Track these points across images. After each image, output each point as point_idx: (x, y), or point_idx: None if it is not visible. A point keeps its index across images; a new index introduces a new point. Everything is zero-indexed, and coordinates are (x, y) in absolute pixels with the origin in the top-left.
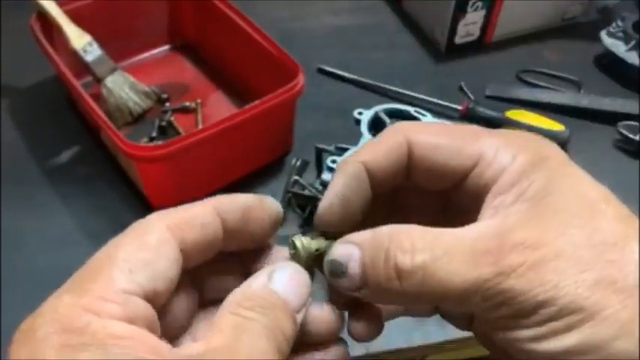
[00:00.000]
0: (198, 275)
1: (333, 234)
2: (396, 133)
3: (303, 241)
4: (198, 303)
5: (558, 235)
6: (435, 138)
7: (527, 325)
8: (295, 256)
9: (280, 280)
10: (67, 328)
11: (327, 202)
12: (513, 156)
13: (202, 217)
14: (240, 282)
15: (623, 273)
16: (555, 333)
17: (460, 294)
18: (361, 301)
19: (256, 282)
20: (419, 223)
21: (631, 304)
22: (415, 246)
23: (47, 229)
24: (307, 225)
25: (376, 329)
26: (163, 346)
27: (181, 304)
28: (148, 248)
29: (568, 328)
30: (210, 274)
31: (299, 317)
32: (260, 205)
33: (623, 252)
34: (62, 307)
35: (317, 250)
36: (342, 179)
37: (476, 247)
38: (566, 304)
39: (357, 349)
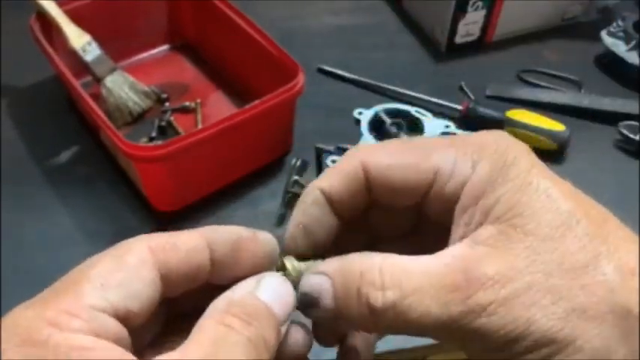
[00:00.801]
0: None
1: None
2: (352, 158)
3: (294, 264)
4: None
5: (529, 263)
6: (388, 158)
7: (503, 357)
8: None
9: (267, 288)
10: (27, 341)
11: (289, 232)
12: (473, 164)
13: (189, 243)
14: None
15: (596, 299)
16: None
17: (434, 330)
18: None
19: (242, 289)
20: (392, 240)
21: (604, 331)
22: (385, 283)
23: (47, 229)
24: None
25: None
26: (131, 357)
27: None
28: (125, 268)
29: None
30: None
31: (282, 329)
32: (253, 239)
33: (594, 275)
34: (23, 319)
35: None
36: (302, 209)
37: (445, 284)
38: (539, 337)
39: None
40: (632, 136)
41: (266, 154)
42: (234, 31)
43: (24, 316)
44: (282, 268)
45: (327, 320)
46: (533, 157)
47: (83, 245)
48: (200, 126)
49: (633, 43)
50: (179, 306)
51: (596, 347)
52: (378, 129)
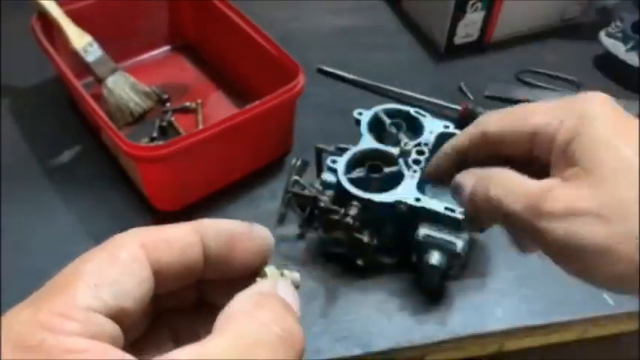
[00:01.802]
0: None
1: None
2: (475, 127)
3: (273, 271)
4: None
5: (591, 194)
6: (500, 125)
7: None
8: None
9: (284, 290)
10: (20, 346)
11: (443, 154)
12: (561, 122)
13: (182, 239)
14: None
15: None
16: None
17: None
18: None
19: (263, 287)
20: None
21: None
22: (506, 189)
23: (47, 229)
24: (307, 225)
25: None
26: (130, 357)
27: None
28: (117, 264)
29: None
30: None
31: None
32: (248, 234)
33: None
34: (17, 323)
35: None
36: (464, 140)
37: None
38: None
39: (357, 348)
40: None
41: (266, 154)
42: (235, 31)
43: (17, 319)
44: (263, 275)
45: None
46: (609, 111)
47: (84, 245)
48: (201, 126)
49: (632, 43)
50: (162, 303)
51: None
52: (378, 129)
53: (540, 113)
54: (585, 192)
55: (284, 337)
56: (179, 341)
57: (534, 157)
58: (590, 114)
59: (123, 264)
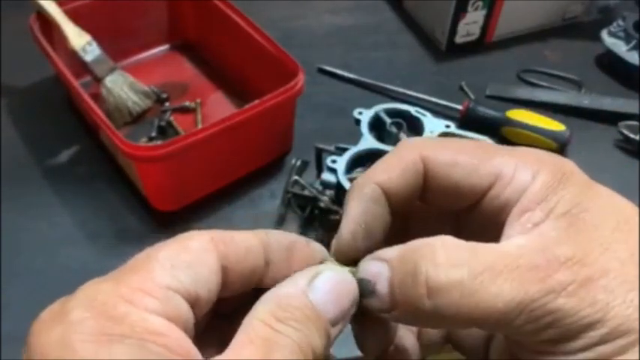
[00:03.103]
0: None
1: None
2: (411, 150)
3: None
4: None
5: (603, 251)
6: (452, 155)
7: (571, 349)
8: None
9: (321, 287)
10: (104, 315)
11: (349, 232)
12: (534, 174)
13: (247, 240)
14: None
15: None
16: (602, 358)
17: (501, 315)
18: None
19: (293, 288)
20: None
21: None
22: (452, 260)
23: (47, 229)
24: (307, 225)
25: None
26: (196, 353)
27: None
28: (190, 252)
29: (616, 353)
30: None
31: (334, 331)
32: (306, 247)
33: None
34: (100, 293)
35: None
36: (362, 205)
37: (521, 263)
38: (616, 326)
39: (357, 349)
40: (632, 135)
41: (266, 154)
42: (235, 31)
43: (100, 289)
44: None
45: (383, 312)
46: (586, 176)
47: (83, 245)
48: (200, 126)
49: (633, 42)
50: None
51: None
52: (378, 129)
53: (505, 155)
54: (601, 248)
55: (302, 345)
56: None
57: (464, 214)
58: (568, 167)
59: (195, 252)
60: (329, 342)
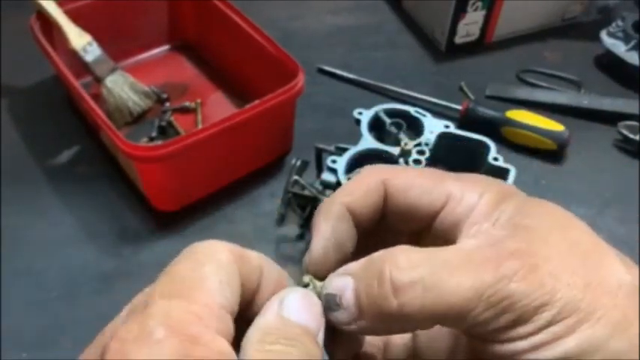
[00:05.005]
0: None
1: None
2: (373, 175)
3: (315, 282)
4: None
5: (543, 245)
6: (408, 179)
7: (527, 332)
8: None
9: (292, 305)
10: (182, 335)
11: (320, 247)
12: (480, 194)
13: (256, 259)
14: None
15: (607, 276)
16: (555, 338)
17: (462, 305)
18: None
19: (268, 314)
20: None
21: (619, 304)
22: (412, 261)
23: (47, 229)
24: (307, 225)
25: None
26: None
27: None
28: (224, 267)
29: (567, 332)
30: None
31: (319, 340)
32: (274, 273)
33: (601, 259)
34: (174, 310)
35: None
36: (331, 223)
37: (474, 257)
38: (564, 305)
39: None
40: (631, 136)
41: (266, 154)
42: (235, 31)
43: (172, 306)
44: (306, 286)
45: (348, 324)
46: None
47: (83, 245)
48: (200, 126)
49: (633, 43)
50: None
51: (614, 319)
52: (378, 129)
53: (454, 179)
54: (542, 242)
55: (304, 358)
56: None
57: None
58: (510, 189)
59: (227, 267)
60: (321, 350)
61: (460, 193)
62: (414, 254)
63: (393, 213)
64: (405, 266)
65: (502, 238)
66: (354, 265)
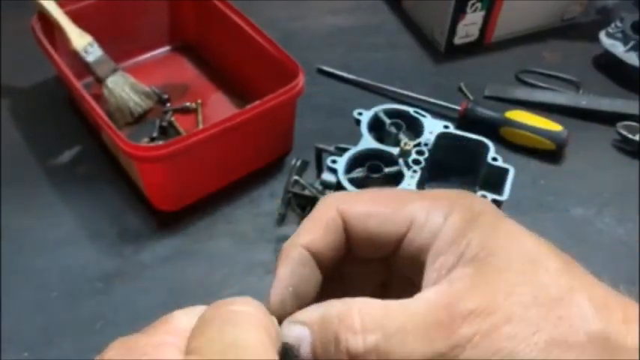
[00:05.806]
0: None
1: None
2: (328, 207)
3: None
4: None
5: (506, 296)
6: (365, 207)
7: None
8: None
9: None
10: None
11: (277, 296)
12: (445, 216)
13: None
14: None
15: (573, 329)
16: None
17: None
18: None
19: None
20: (363, 292)
21: (584, 358)
22: (366, 326)
23: (47, 229)
24: None
25: None
26: None
27: None
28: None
29: None
30: None
31: None
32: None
33: (570, 307)
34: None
35: None
36: (290, 268)
37: (427, 321)
38: None
39: None
40: (630, 136)
41: (266, 154)
42: (235, 31)
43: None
44: None
45: None
46: (497, 209)
47: (83, 245)
48: (201, 126)
49: (631, 43)
50: None
51: None
52: (378, 129)
53: (417, 200)
54: (504, 294)
55: None
56: None
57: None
58: (478, 206)
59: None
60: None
61: (424, 216)
62: (368, 316)
63: (355, 243)
64: (359, 329)
65: (461, 291)
66: (310, 315)
